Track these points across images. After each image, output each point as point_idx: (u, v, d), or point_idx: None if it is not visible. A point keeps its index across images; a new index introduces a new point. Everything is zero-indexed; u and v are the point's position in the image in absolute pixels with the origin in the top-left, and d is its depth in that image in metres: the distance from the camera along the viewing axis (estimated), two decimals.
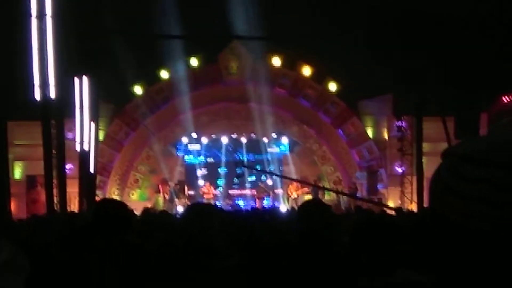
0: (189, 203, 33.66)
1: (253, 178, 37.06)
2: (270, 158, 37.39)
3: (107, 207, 5.19)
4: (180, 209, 33.22)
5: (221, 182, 37.04)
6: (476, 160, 1.58)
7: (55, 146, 19.35)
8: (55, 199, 19.93)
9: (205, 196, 35.37)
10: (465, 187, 1.58)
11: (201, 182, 36.67)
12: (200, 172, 37.27)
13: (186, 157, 37.21)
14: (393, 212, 18.20)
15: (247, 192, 37.07)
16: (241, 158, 37.28)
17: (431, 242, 1.72)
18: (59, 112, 19.39)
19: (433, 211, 1.68)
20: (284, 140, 37.24)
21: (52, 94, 17.45)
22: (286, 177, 35.09)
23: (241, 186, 37.20)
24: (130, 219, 5.30)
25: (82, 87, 24.94)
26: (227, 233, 4.36)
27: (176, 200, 34.36)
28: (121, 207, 5.23)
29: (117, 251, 4.81)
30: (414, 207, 30.32)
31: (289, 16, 31.77)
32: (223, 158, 37.41)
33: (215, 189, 36.27)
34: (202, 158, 37.41)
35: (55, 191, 19.79)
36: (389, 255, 4.51)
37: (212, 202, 33.89)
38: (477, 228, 1.55)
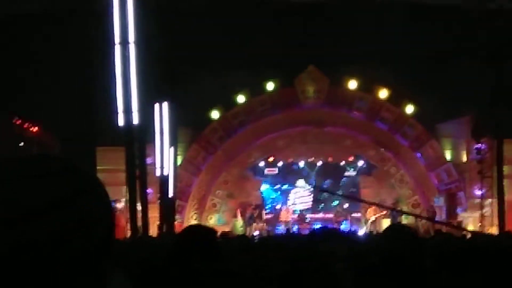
0: (266, 228, 33.84)
1: (336, 202, 37.07)
2: (346, 182, 37.40)
3: (195, 232, 5.18)
4: (256, 233, 33.29)
5: (301, 206, 37.15)
6: None
7: (138, 171, 19.61)
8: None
9: (282, 219, 35.45)
10: None
11: (278, 206, 36.77)
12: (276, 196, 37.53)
13: (262, 186, 37.36)
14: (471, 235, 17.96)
15: (325, 216, 37.03)
16: (318, 182, 37.31)
17: None
18: (141, 137, 19.67)
19: None
20: (360, 163, 37.11)
21: (135, 120, 17.72)
22: (364, 201, 34.92)
23: (319, 210, 37.25)
24: (218, 244, 5.27)
25: (162, 112, 25.25)
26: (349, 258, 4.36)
27: (253, 224, 34.46)
28: (208, 233, 5.22)
29: (209, 278, 4.83)
30: (495, 231, 29.85)
31: (364, 38, 31.78)
32: (300, 182, 37.52)
33: (292, 213, 36.37)
34: (277, 186, 37.60)
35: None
36: (479, 280, 4.48)
37: (289, 226, 34.01)
38: None
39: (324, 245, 4.66)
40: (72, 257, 1.58)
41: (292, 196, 37.43)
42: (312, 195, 37.42)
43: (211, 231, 5.21)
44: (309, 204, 37.37)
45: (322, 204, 37.40)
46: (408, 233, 4.81)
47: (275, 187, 37.72)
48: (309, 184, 37.27)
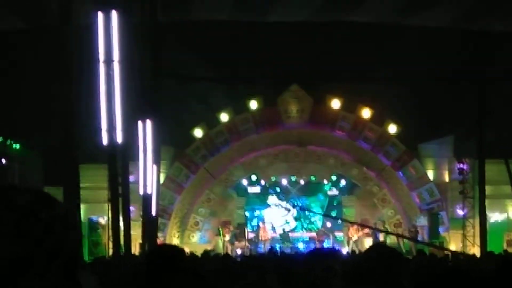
0: (249, 246, 33.77)
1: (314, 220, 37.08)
2: (329, 201, 37.44)
3: (162, 253, 5.11)
4: (239, 251, 33.22)
5: (279, 224, 37.10)
6: None
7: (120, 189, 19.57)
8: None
9: (262, 238, 35.41)
10: None
11: (260, 224, 36.68)
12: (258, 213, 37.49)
13: (246, 212, 37.28)
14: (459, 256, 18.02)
15: (307, 234, 37.03)
16: (300, 201, 37.31)
17: None
18: (124, 156, 19.64)
19: None
20: (343, 182, 37.12)
21: (119, 138, 17.68)
22: (346, 220, 34.94)
23: (301, 228, 37.24)
24: (187, 264, 5.19)
25: (146, 131, 25.21)
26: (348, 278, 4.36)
27: (236, 242, 34.39)
28: (177, 253, 5.12)
29: None
30: (476, 251, 29.96)
31: (348, 58, 31.95)
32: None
33: (272, 231, 36.27)
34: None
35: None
36: None
37: (268, 244, 33.97)
38: None
39: (322, 262, 4.68)
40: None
41: (268, 215, 37.32)
42: (290, 213, 37.36)
43: (179, 251, 5.16)
44: (292, 224, 37.30)
45: (308, 222, 37.39)
46: (391, 253, 4.79)
47: (258, 206, 37.67)
48: (289, 202, 37.22)
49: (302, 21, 30.62)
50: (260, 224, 36.36)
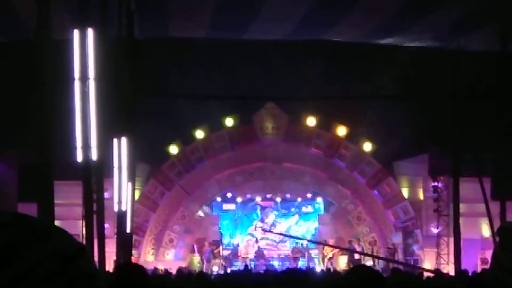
0: (223, 264, 33.71)
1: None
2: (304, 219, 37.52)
3: (125, 273, 5.15)
4: (215, 269, 33.16)
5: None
6: None
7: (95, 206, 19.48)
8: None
9: (242, 256, 35.41)
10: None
11: (235, 241, 36.69)
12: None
13: (221, 225, 37.23)
14: (430, 274, 18.09)
15: (281, 252, 37.04)
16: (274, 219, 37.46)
17: None
18: (99, 173, 19.56)
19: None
20: (319, 200, 37.21)
21: (94, 155, 17.64)
22: (320, 243, 35.02)
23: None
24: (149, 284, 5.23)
25: (121, 148, 25.10)
26: None
27: (212, 260, 34.30)
28: (139, 273, 5.17)
29: None
30: (451, 269, 30.09)
31: (323, 76, 32.07)
32: (257, 219, 37.52)
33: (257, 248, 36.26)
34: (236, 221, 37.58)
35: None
36: None
37: (248, 262, 33.93)
38: None
39: (295, 282, 4.71)
40: None
41: (258, 234, 37.34)
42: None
43: (141, 269, 5.22)
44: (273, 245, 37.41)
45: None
46: (374, 277, 4.81)
47: (234, 223, 37.65)
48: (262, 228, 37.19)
49: (279, 40, 30.77)
50: (244, 241, 36.38)
